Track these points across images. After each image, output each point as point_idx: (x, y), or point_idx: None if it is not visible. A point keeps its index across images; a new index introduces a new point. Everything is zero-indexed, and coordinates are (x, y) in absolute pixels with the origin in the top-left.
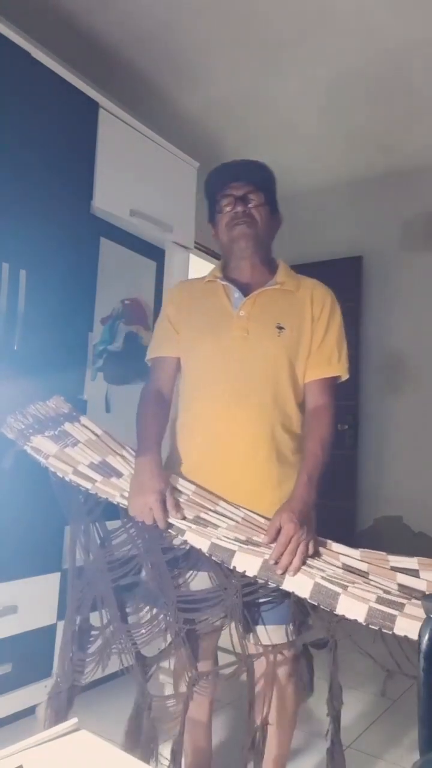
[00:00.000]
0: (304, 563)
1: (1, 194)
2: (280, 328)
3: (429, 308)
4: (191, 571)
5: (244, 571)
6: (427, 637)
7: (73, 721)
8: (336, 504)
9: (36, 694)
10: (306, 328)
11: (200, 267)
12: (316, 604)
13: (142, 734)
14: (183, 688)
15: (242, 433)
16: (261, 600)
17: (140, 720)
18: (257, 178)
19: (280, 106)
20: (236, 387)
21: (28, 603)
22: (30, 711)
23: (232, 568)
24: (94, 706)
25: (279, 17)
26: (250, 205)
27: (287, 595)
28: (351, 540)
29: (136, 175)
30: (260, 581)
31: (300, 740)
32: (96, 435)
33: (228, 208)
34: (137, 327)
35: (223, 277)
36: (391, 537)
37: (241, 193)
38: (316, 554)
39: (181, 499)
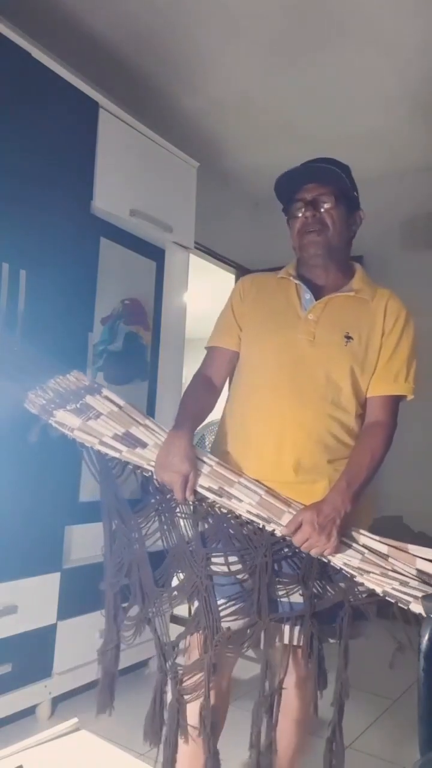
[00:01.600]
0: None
1: (1, 194)
2: (348, 337)
3: (429, 308)
4: (216, 535)
5: (273, 531)
6: (427, 637)
7: (73, 721)
8: None
9: (36, 694)
10: (375, 340)
11: (200, 267)
12: (340, 567)
13: (162, 717)
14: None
15: (294, 437)
16: (285, 563)
17: (161, 703)
18: (331, 178)
19: (280, 106)
20: (296, 388)
21: (28, 603)
22: (30, 711)
23: (261, 527)
24: (94, 706)
25: (279, 17)
26: (322, 210)
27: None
28: None
29: (136, 175)
30: (288, 538)
31: None
32: (118, 406)
33: (299, 213)
34: (137, 327)
35: (297, 275)
36: (391, 537)
37: (311, 196)
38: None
39: (204, 471)
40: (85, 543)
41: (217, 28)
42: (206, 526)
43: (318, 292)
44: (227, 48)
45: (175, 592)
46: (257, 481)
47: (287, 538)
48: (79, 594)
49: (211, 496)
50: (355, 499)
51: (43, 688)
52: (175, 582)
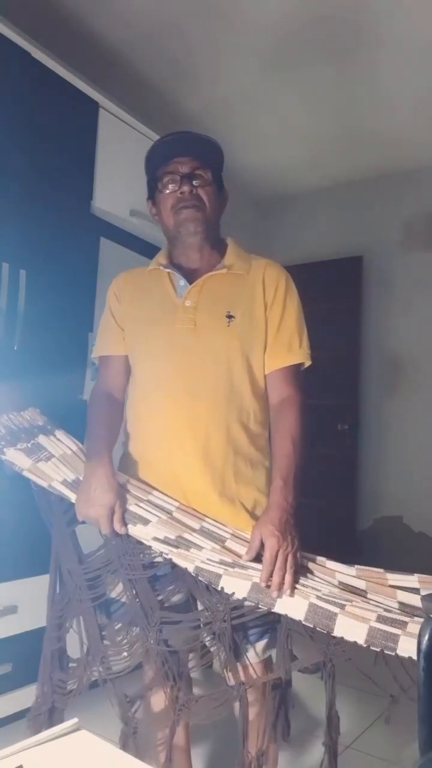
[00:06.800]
0: (297, 580)
1: (1, 194)
2: (230, 316)
3: (429, 308)
4: (175, 587)
5: (233, 594)
6: (427, 637)
7: (73, 720)
8: (336, 504)
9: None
10: (258, 314)
11: None
12: (311, 626)
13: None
14: (160, 714)
15: (194, 431)
16: (250, 625)
17: (128, 748)
18: (204, 152)
19: (280, 106)
20: (185, 383)
21: (28, 603)
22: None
23: (219, 589)
24: (94, 706)
25: (279, 17)
26: (196, 184)
27: (278, 619)
28: (351, 540)
29: (136, 175)
30: (250, 604)
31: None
32: (71, 450)
33: (172, 188)
34: None
35: (168, 263)
36: (391, 537)
37: (187, 170)
38: (310, 572)
39: (162, 517)
40: (85, 543)
41: (217, 28)
42: (165, 574)
43: (192, 277)
44: (227, 48)
45: (125, 653)
46: (224, 524)
47: (249, 603)
48: None
49: (166, 550)
50: (295, 489)
51: None
52: (127, 638)
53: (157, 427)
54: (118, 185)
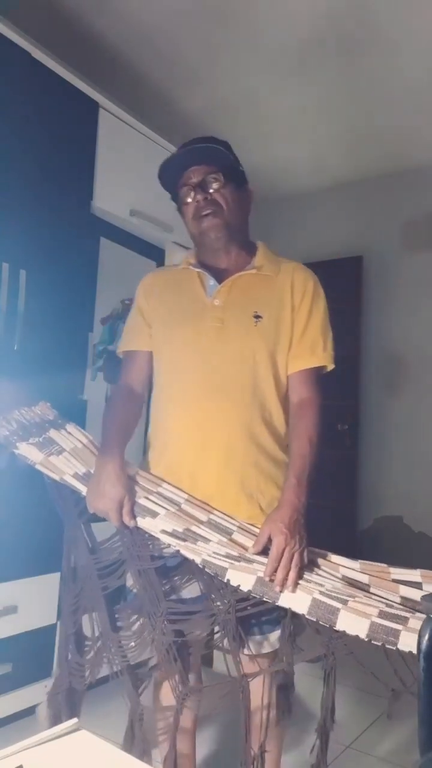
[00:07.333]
0: (300, 577)
1: (1, 194)
2: (257, 317)
3: (429, 308)
4: (184, 577)
5: (239, 586)
6: (427, 636)
7: (73, 721)
8: (336, 504)
9: (36, 694)
10: (285, 316)
11: None
12: (314, 620)
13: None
14: (167, 702)
15: (218, 429)
16: (264, 616)
17: (135, 733)
18: (214, 156)
19: (280, 106)
20: (210, 381)
21: (28, 603)
22: (30, 711)
23: (225, 581)
24: (94, 706)
25: (279, 17)
26: (211, 191)
27: (283, 612)
28: (351, 540)
29: (136, 175)
30: (255, 597)
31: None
32: (82, 443)
33: (189, 199)
34: None
35: (197, 263)
36: (391, 537)
37: (198, 179)
38: (315, 566)
39: (171, 509)
40: (101, 531)
41: (218, 28)
42: (174, 563)
43: (221, 277)
44: (227, 48)
45: (133, 643)
46: (232, 517)
47: (254, 596)
48: None
49: (174, 542)
50: (308, 489)
51: (43, 688)
52: (136, 627)
53: (181, 423)
54: (118, 185)
